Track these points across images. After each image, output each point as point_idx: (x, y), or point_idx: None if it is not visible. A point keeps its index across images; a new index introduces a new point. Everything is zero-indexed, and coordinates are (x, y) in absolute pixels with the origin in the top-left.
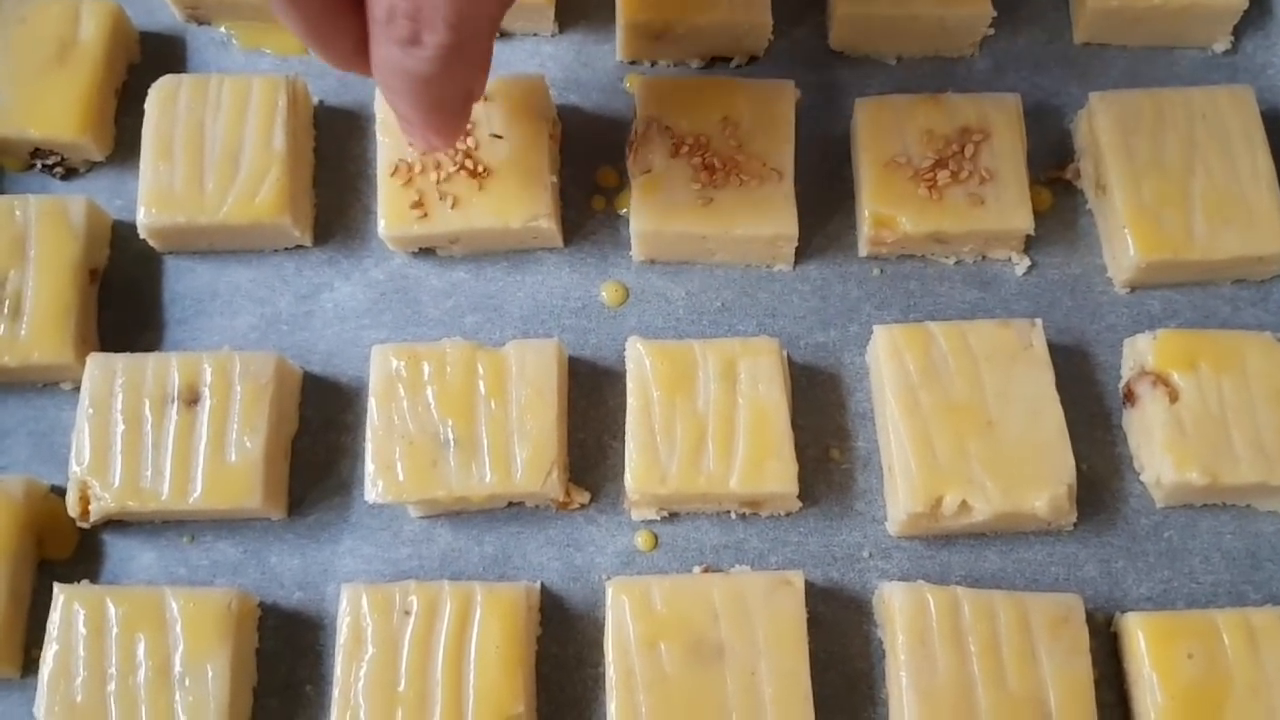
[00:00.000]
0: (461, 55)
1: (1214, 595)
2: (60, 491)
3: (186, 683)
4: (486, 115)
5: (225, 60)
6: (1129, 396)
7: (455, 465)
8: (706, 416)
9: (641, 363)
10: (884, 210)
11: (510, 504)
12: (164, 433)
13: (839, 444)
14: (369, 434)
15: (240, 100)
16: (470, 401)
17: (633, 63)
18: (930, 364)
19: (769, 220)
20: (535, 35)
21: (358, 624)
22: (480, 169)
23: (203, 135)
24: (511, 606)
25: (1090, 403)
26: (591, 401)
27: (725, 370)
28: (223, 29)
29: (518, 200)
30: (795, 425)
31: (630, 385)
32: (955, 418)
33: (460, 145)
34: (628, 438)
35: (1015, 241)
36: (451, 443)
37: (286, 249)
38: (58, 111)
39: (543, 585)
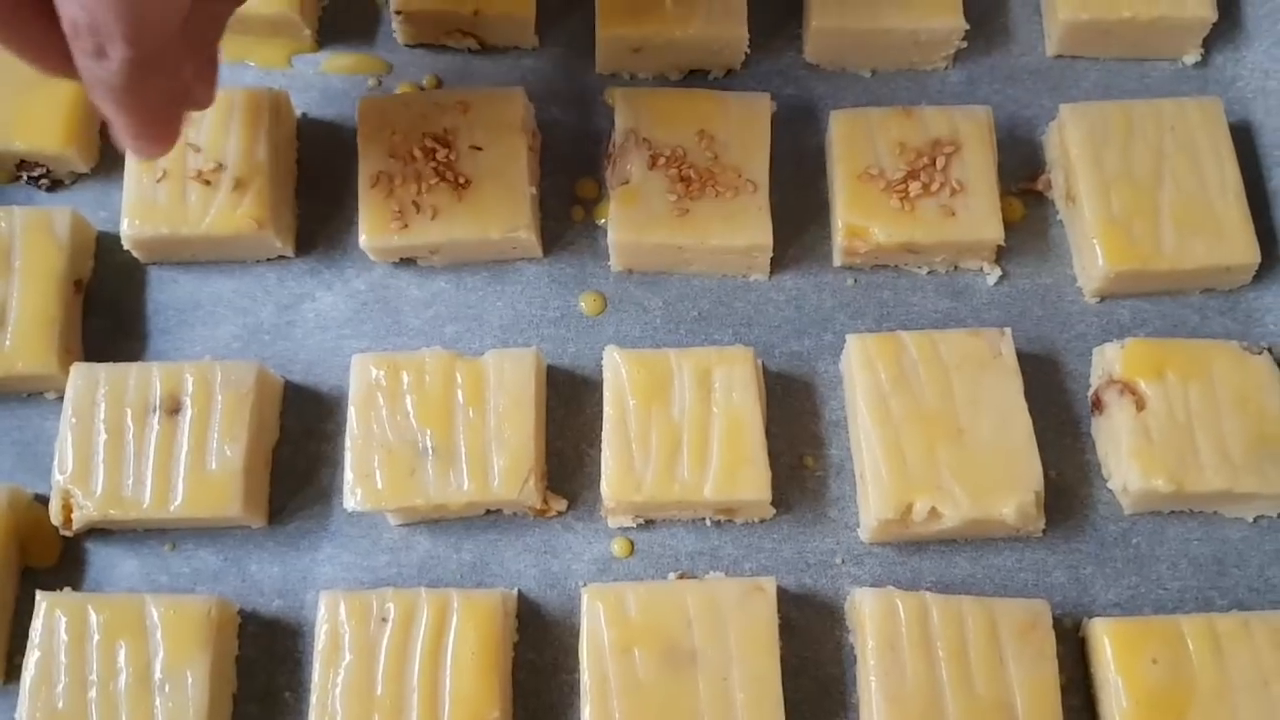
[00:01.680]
0: (150, 66)
1: (1181, 601)
2: (44, 500)
3: (166, 689)
4: (467, 127)
5: None
6: (1097, 404)
7: (434, 473)
8: (681, 425)
9: (618, 371)
10: (857, 221)
11: (488, 512)
12: (146, 442)
13: (813, 452)
14: (348, 443)
15: (223, 112)
16: (449, 410)
17: (612, 75)
18: (901, 373)
19: (744, 231)
20: (516, 49)
21: (335, 631)
22: (460, 180)
23: (186, 146)
24: (488, 613)
25: (1059, 411)
26: (569, 410)
27: (700, 379)
28: None
29: (497, 211)
30: (769, 433)
31: (607, 394)
32: (926, 426)
33: (440, 157)
34: (604, 446)
35: (986, 252)
36: (430, 451)
37: (269, 259)
38: (44, 123)
39: (520, 592)
